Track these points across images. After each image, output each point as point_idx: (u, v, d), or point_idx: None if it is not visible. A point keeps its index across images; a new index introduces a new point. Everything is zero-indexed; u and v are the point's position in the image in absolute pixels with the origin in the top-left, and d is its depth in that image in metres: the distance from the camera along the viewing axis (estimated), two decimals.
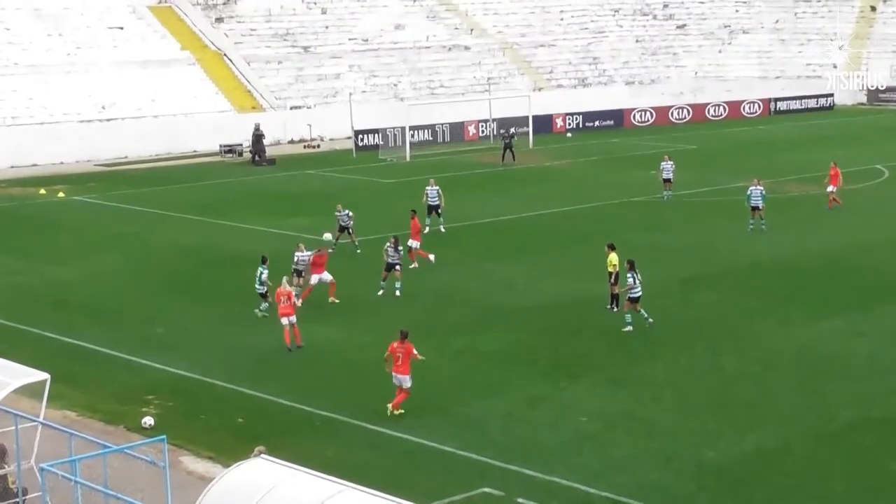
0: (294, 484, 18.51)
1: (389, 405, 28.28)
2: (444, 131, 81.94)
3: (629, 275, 34.67)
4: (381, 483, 20.55)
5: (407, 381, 28.31)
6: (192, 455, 26.09)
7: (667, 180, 56.75)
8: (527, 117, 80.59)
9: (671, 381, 30.60)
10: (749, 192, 48.60)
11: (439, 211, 49.69)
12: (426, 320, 36.32)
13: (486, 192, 59.95)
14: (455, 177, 62.07)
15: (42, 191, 63.19)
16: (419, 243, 43.80)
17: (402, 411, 28.25)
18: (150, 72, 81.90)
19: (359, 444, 26.84)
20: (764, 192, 48.34)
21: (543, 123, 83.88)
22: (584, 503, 23.65)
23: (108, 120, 77.83)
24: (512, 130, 74.98)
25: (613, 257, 36.61)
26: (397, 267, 39.18)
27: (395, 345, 28.46)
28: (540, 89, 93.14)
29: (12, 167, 71.79)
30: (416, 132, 78.44)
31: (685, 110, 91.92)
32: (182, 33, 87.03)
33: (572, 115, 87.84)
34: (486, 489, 24.09)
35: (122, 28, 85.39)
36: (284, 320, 33.88)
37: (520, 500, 23.59)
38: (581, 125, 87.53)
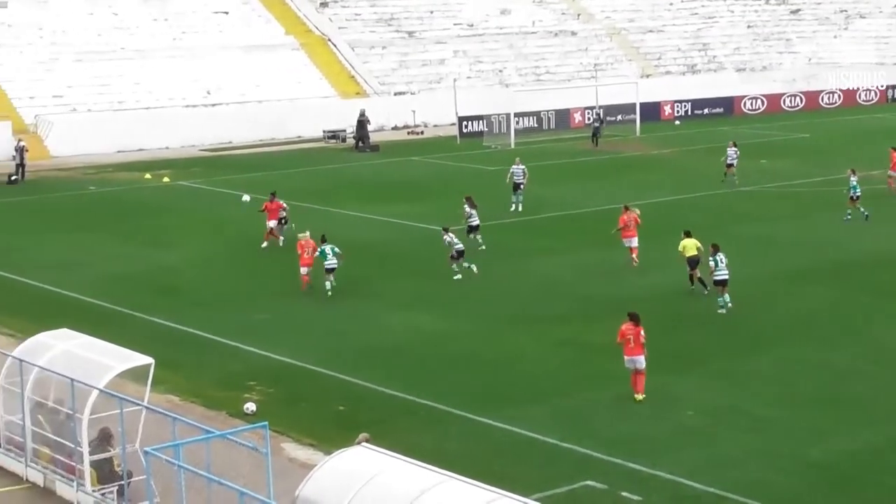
0: (395, 473, 18.43)
1: (636, 395, 28.05)
2: (549, 118, 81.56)
3: (711, 258, 35.02)
4: (481, 474, 20.31)
5: (642, 363, 28.13)
6: (293, 442, 26.09)
7: (730, 165, 56.78)
8: (634, 104, 79.89)
9: (779, 375, 30.02)
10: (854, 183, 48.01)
11: (521, 188, 51.15)
12: (528, 311, 36.10)
13: (590, 181, 59.47)
14: (559, 164, 61.69)
15: (147, 175, 63.87)
16: (275, 223, 45.33)
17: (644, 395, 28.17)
18: (255, 57, 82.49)
19: (459, 433, 26.65)
20: (856, 181, 47.61)
21: (651, 111, 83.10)
22: (688, 498, 23.23)
23: (213, 105, 78.58)
24: (600, 114, 75.51)
25: (688, 243, 37.15)
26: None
27: (626, 328, 28.32)
28: (648, 76, 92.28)
29: (119, 152, 72.74)
30: (520, 119, 78.11)
31: (798, 98, 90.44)
32: (286, 18, 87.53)
33: (681, 102, 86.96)
34: (590, 482, 23.78)
35: (227, 13, 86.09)
36: (304, 269, 38.28)
37: (624, 493, 23.26)
38: (690, 113, 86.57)
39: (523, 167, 51.88)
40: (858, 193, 47.57)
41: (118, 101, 76.50)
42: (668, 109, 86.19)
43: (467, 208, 43.46)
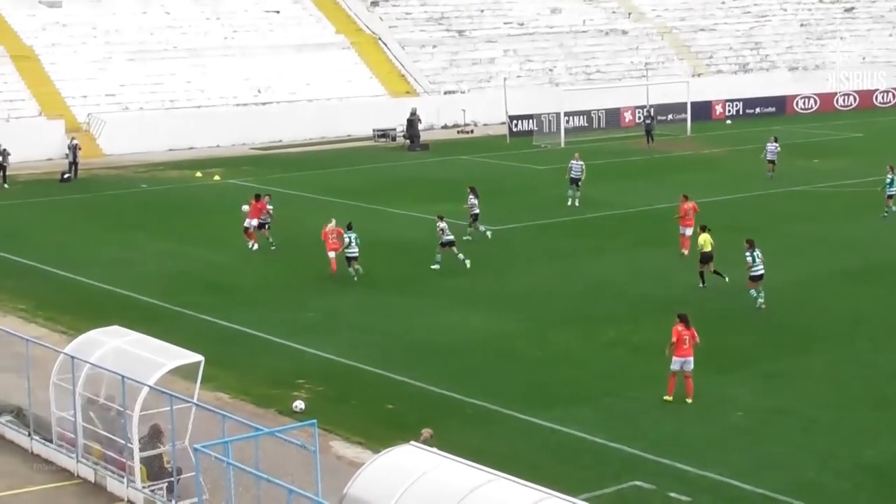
0: (443, 472, 18.44)
1: (687, 398, 27.98)
2: (599, 117, 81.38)
3: (748, 254, 35.39)
4: (529, 473, 20.31)
5: (691, 364, 28.11)
6: (341, 440, 26.15)
7: (771, 161, 58.48)
8: (685, 104, 79.55)
9: (829, 376, 29.83)
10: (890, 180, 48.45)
11: (579, 184, 52.29)
12: (576, 310, 36.02)
13: (641, 180, 59.24)
14: (610, 164, 61.48)
15: (198, 174, 64.26)
16: (256, 222, 45.26)
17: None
18: (305, 56, 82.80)
19: (507, 433, 26.64)
20: (895, 178, 48.08)
21: (702, 110, 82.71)
22: (737, 499, 23.12)
23: (264, 104, 78.91)
24: (651, 111, 75.81)
25: (707, 238, 38.00)
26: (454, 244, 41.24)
27: (681, 328, 28.27)
28: (699, 75, 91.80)
29: (170, 150, 73.18)
30: (571, 118, 77.98)
31: (851, 97, 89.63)
32: (337, 17, 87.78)
33: (732, 101, 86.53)
34: (638, 482, 23.72)
35: (278, 12, 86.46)
36: (332, 254, 39.93)
37: (672, 494, 23.18)
38: (741, 112, 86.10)
39: (581, 163, 52.93)
40: (892, 192, 47.77)
41: (170, 100, 76.98)
42: (719, 109, 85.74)
43: (471, 198, 45.37)
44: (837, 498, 23.05)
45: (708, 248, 38.05)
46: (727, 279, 37.40)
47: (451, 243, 41.01)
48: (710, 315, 34.97)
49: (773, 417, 27.09)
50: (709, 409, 27.66)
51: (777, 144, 59.28)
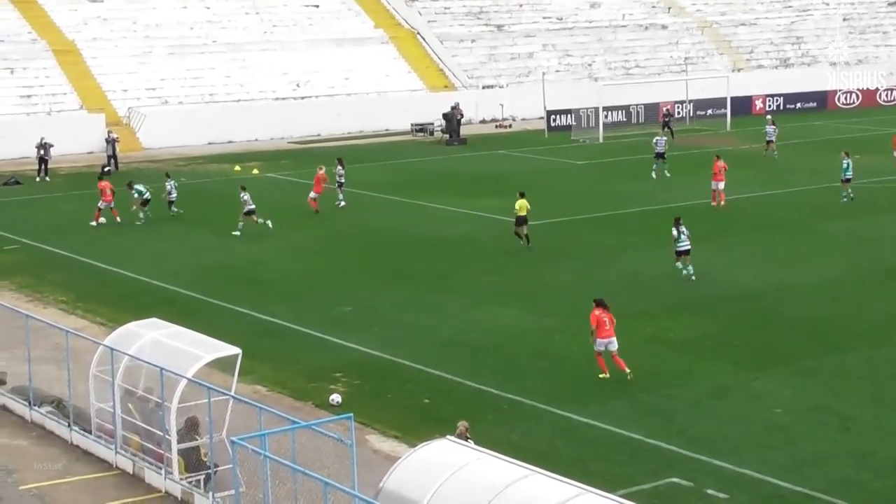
0: (480, 466, 18.43)
1: (603, 375, 29.06)
2: (638, 112, 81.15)
3: (674, 230, 37.53)
4: (566, 469, 20.32)
5: (615, 344, 29.05)
6: (378, 434, 26.19)
7: (769, 142, 63.63)
8: (724, 99, 79.19)
9: (868, 374, 29.61)
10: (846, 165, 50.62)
11: (665, 157, 58.35)
12: (613, 307, 35.77)
13: (679, 176, 58.96)
14: (648, 159, 61.17)
15: (237, 167, 64.46)
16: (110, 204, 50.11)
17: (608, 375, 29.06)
18: (344, 50, 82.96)
19: (544, 428, 26.59)
20: (851, 163, 50.31)
21: (742, 105, 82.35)
22: (775, 497, 22.98)
23: (302, 98, 79.12)
24: (667, 109, 76.98)
25: (522, 203, 42.41)
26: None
27: (599, 313, 29.11)
28: (739, 70, 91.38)
29: (209, 144, 73.52)
30: (609, 113, 77.77)
31: (894, 92, 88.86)
32: (376, 11, 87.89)
33: (772, 96, 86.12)
34: (675, 479, 23.62)
35: (317, 6, 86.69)
36: (313, 194, 49.92)
37: (709, 491, 23.07)
38: (782, 107, 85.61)
39: (665, 138, 59.73)
40: (849, 175, 49.87)
41: (209, 94, 77.32)
42: (759, 103, 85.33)
43: (339, 168, 52.67)
44: (877, 496, 22.88)
45: (523, 213, 42.32)
46: (530, 245, 42.12)
47: (251, 212, 46.48)
48: (750, 312, 34.86)
49: (812, 415, 26.95)
50: (746, 406, 27.54)
51: (775, 127, 64.37)
